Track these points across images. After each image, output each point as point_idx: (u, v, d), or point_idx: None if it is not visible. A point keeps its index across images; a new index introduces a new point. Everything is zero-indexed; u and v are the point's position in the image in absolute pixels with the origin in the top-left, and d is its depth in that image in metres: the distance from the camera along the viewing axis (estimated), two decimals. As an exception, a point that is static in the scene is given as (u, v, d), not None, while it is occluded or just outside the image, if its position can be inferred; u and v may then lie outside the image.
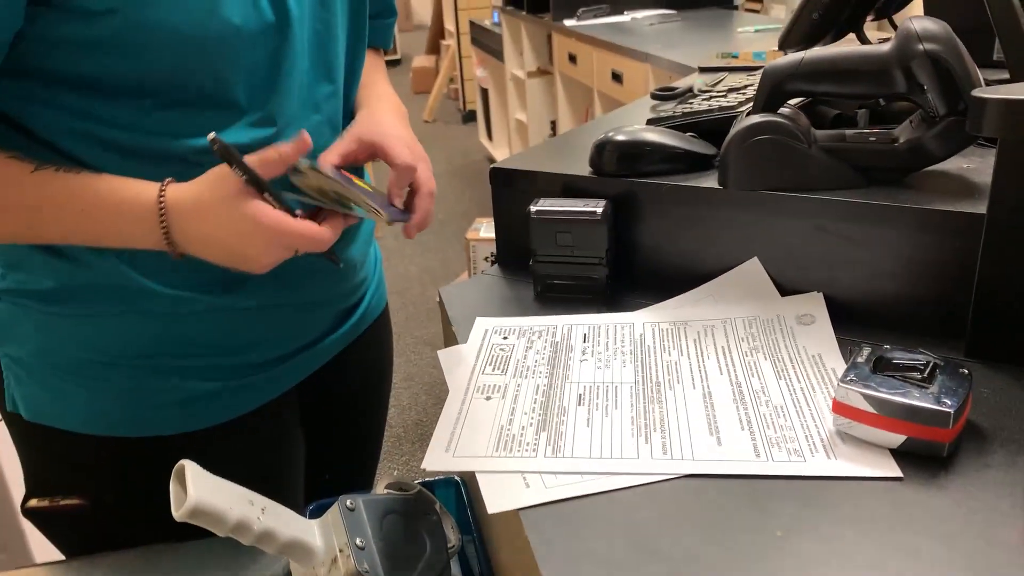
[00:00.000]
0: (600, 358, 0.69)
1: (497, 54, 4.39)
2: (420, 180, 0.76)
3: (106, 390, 0.72)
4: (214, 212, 0.64)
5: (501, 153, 4.63)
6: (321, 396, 0.89)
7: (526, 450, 0.58)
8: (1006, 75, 0.71)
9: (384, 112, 0.84)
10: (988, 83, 0.64)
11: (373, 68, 0.91)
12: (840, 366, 0.63)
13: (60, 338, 0.71)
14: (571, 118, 3.66)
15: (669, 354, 0.68)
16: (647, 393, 0.63)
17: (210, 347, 0.73)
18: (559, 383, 0.66)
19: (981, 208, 0.61)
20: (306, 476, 0.92)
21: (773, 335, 0.69)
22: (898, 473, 0.52)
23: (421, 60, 7.03)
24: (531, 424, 0.61)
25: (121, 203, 0.65)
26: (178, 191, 0.65)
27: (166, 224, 0.64)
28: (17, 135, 0.66)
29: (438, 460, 0.58)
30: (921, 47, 0.65)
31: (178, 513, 0.49)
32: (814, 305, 0.71)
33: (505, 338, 0.73)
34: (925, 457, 0.53)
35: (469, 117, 5.90)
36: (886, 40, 0.68)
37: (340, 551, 0.51)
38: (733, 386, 0.63)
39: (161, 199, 0.64)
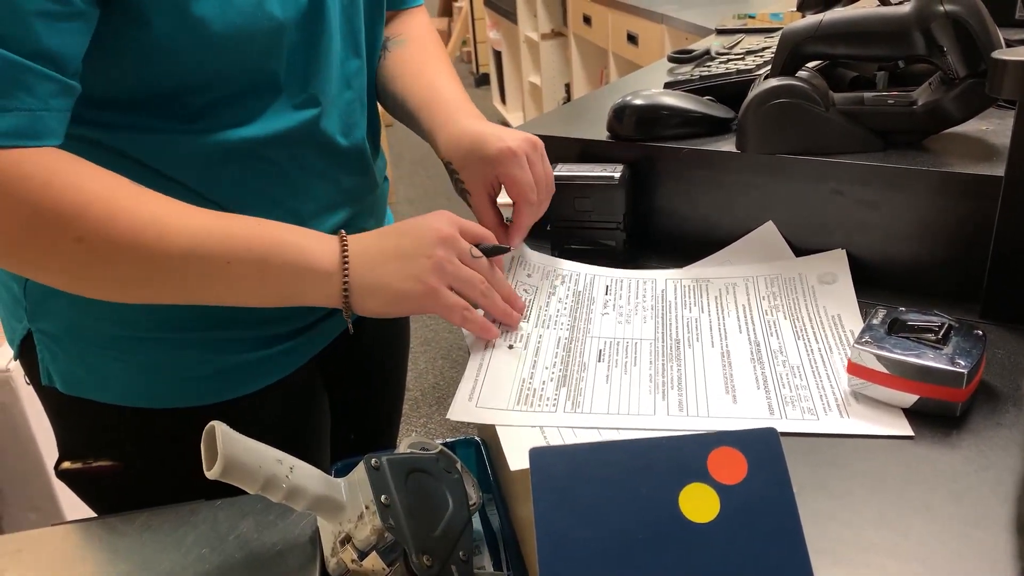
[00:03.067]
0: (622, 312, 0.70)
1: (510, 16, 4.34)
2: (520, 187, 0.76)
3: (140, 364, 0.74)
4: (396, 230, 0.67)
5: (515, 117, 4.61)
6: (342, 360, 0.91)
7: (546, 405, 0.59)
8: (1028, 35, 0.71)
9: (465, 124, 0.78)
10: (1009, 44, 0.64)
11: (425, 52, 0.87)
12: (859, 327, 0.64)
13: (93, 314, 0.73)
14: (586, 81, 3.63)
15: (690, 311, 0.69)
16: (666, 351, 0.64)
17: (239, 321, 0.75)
18: (580, 336, 0.67)
19: (999, 170, 0.62)
20: (331, 438, 0.94)
21: (794, 294, 0.69)
22: (909, 432, 0.53)
23: (433, 22, 6.94)
24: (552, 379, 0.62)
25: (301, 239, 0.65)
26: (359, 235, 0.67)
27: (347, 252, 0.65)
28: (131, 165, 0.65)
29: (462, 409, 0.60)
30: (941, 8, 0.65)
31: (210, 472, 0.51)
32: (837, 263, 0.71)
33: (529, 275, 0.75)
34: (938, 416, 0.54)
35: (482, 80, 5.85)
36: (906, 1, 0.68)
37: (366, 508, 0.53)
38: (752, 345, 0.64)
39: (343, 241, 0.66)
